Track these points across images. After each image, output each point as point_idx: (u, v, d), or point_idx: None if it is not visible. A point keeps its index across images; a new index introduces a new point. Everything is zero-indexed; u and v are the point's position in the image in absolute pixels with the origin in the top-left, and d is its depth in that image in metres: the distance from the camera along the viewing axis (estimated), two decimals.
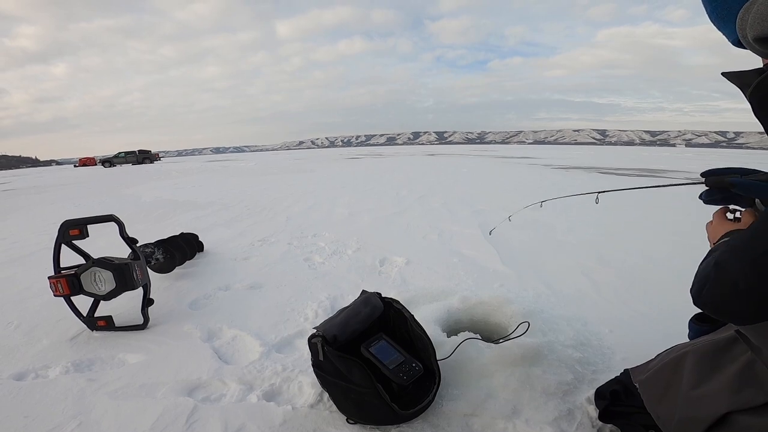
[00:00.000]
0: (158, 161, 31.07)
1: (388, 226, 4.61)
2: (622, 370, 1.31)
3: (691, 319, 1.17)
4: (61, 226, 2.12)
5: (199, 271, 3.13)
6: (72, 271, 2.11)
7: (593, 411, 1.36)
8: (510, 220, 2.24)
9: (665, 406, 0.98)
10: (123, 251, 2.27)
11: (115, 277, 2.08)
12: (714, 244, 0.97)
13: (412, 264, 3.18)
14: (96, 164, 32.18)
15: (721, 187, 0.97)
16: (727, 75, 0.76)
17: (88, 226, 2.15)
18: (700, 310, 1.12)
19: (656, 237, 3.78)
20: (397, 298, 1.63)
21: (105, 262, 2.09)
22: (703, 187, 1.03)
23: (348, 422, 1.37)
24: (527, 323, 1.68)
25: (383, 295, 1.62)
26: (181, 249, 3.13)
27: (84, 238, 2.15)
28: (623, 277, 2.77)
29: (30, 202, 8.54)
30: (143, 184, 11.30)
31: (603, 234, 4.02)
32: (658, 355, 1.17)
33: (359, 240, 3.94)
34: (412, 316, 1.54)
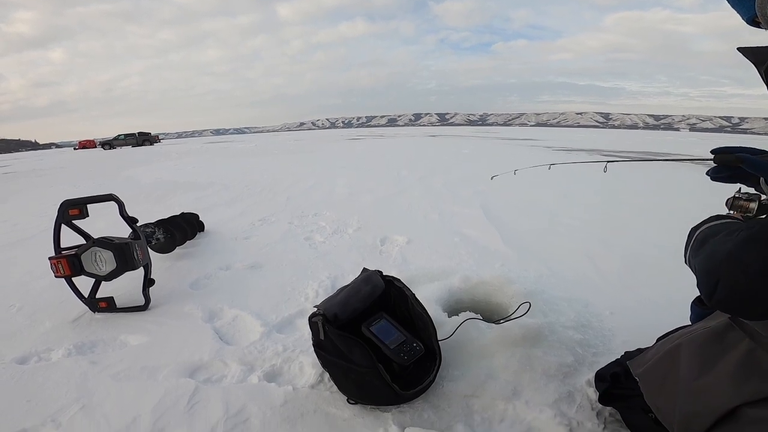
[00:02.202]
0: (158, 143, 30.81)
1: (389, 206, 4.58)
2: (623, 353, 1.30)
3: (693, 302, 1.15)
4: (60, 205, 2.10)
5: (199, 251, 3.12)
6: (73, 252, 2.09)
7: (593, 394, 1.36)
8: (515, 174, 2.22)
9: (664, 398, 0.96)
10: (124, 232, 2.25)
11: (115, 256, 2.06)
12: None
13: (413, 243, 3.16)
14: (96, 147, 31.94)
15: (729, 164, 0.96)
16: (743, 50, 0.73)
17: (88, 206, 2.13)
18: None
19: (663, 223, 3.74)
20: (398, 277, 1.61)
21: (105, 242, 2.07)
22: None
23: (348, 402, 1.37)
24: (528, 303, 1.67)
25: (384, 274, 1.61)
26: (182, 228, 3.12)
27: (84, 217, 2.14)
28: (627, 261, 2.74)
29: (30, 184, 8.51)
30: (143, 165, 11.23)
31: (607, 218, 3.99)
32: (656, 342, 1.15)
33: (360, 219, 3.92)
34: (414, 295, 1.52)
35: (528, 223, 3.77)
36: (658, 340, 1.19)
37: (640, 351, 1.21)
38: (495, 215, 4.00)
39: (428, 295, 1.91)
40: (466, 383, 1.43)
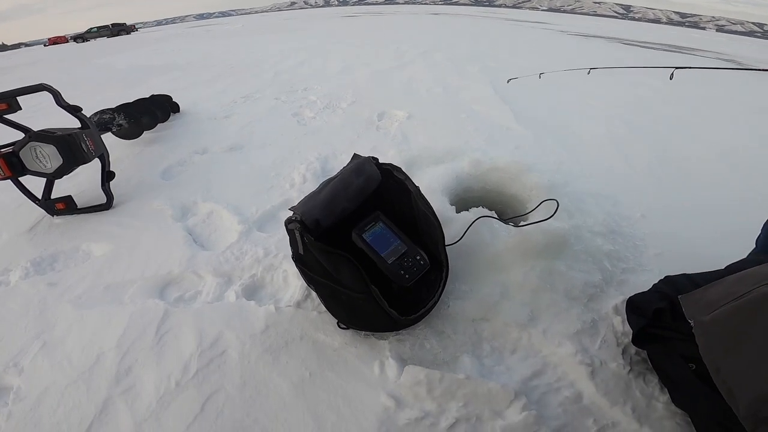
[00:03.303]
0: (135, 32, 28.63)
1: (388, 80, 4.14)
2: (663, 277, 1.03)
3: None
4: None
5: (172, 134, 2.80)
6: (9, 149, 1.79)
7: (619, 324, 1.13)
8: (540, 77, 1.81)
9: (733, 361, 0.73)
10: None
11: (59, 150, 1.78)
12: None
13: (414, 119, 2.81)
14: (67, 42, 29.76)
15: None
16: None
17: (19, 98, 1.77)
18: None
19: (705, 118, 3.26)
20: (397, 158, 1.25)
21: (45, 135, 1.78)
22: None
23: (339, 327, 1.14)
24: (555, 202, 1.32)
25: (381, 162, 1.25)
26: (150, 112, 2.80)
27: (15, 111, 1.80)
28: (656, 149, 2.40)
29: None
30: (118, 53, 10.21)
31: (635, 101, 3.56)
32: (724, 270, 0.91)
33: (355, 93, 3.52)
34: (418, 189, 1.19)
35: (543, 101, 3.35)
36: (728, 269, 0.93)
37: (688, 279, 0.96)
38: (506, 92, 3.57)
39: (432, 183, 1.62)
40: (476, 303, 1.19)
